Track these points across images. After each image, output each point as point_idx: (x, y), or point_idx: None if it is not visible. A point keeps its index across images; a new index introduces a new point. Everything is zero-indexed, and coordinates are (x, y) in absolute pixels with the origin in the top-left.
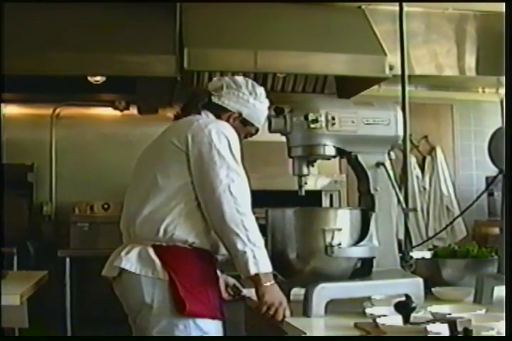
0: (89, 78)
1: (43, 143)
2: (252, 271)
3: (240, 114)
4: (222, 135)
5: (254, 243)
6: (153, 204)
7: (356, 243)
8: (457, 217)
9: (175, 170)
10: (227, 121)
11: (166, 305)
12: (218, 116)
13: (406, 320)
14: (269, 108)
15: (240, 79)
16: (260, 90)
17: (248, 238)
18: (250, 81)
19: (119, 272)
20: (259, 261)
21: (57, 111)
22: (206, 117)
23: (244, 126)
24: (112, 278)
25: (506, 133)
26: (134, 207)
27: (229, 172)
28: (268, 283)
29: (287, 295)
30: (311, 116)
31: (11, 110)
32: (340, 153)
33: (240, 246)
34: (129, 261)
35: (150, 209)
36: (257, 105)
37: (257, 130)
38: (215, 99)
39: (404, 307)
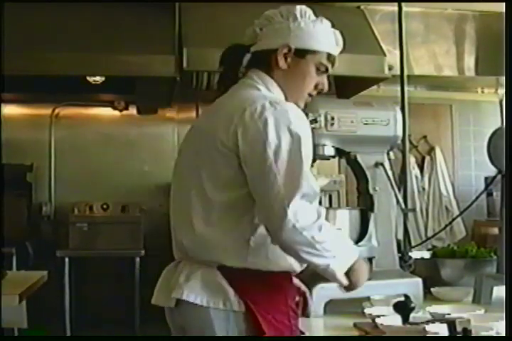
0: (89, 78)
1: (42, 143)
2: (344, 282)
3: (289, 47)
4: (283, 127)
5: (331, 252)
6: (207, 221)
7: (355, 243)
8: (456, 217)
9: (228, 180)
10: (279, 65)
11: None
12: (268, 66)
13: (405, 320)
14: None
15: (269, 11)
16: (299, 9)
17: (323, 251)
18: (283, 7)
19: (176, 302)
20: (343, 267)
21: (57, 111)
22: (256, 85)
23: (305, 61)
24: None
25: (506, 133)
26: (182, 219)
27: (289, 188)
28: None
29: None
30: (310, 116)
31: (10, 110)
32: (340, 153)
33: (319, 262)
34: (192, 290)
35: (202, 230)
36: (302, 25)
37: (330, 57)
38: (253, 49)
39: (404, 308)
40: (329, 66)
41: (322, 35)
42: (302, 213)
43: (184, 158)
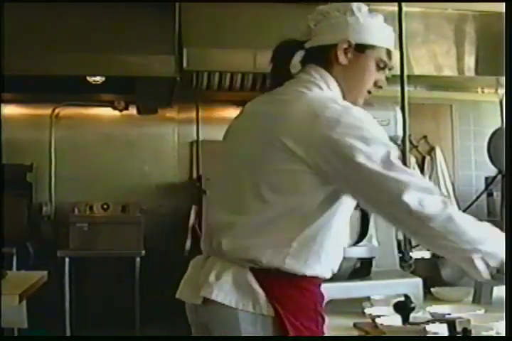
0: (89, 78)
1: (42, 143)
2: (486, 276)
3: (348, 42)
4: (361, 131)
5: (473, 244)
6: (255, 221)
7: (356, 243)
8: None
9: (289, 186)
10: (339, 61)
11: None
12: (327, 62)
13: (405, 320)
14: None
15: (323, 7)
16: (354, 4)
17: (465, 244)
18: (336, 3)
19: (204, 299)
20: (492, 258)
21: (57, 111)
22: (316, 82)
23: (365, 57)
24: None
25: (506, 133)
26: (223, 218)
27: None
28: None
29: None
30: None
31: (10, 110)
32: None
33: (464, 255)
34: (222, 290)
35: (247, 229)
36: (361, 21)
37: (389, 53)
38: (309, 44)
39: (404, 308)
40: (388, 62)
41: (379, 30)
42: (427, 203)
43: (240, 148)
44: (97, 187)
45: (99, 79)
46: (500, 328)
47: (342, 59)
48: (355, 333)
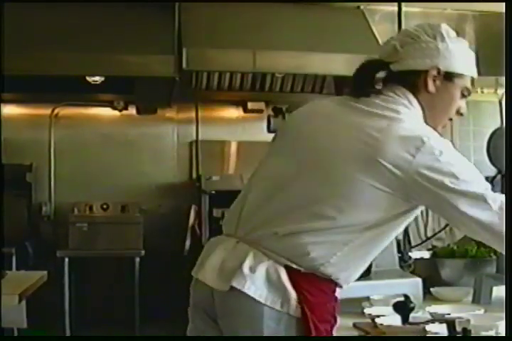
0: (88, 78)
1: (42, 143)
2: None
3: (438, 69)
4: (461, 170)
5: None
6: (321, 225)
7: None
8: None
9: (369, 203)
10: (428, 88)
11: None
12: (414, 87)
13: (405, 320)
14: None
15: (411, 29)
16: (443, 28)
17: None
18: (425, 24)
19: (230, 288)
20: None
21: (56, 111)
22: (406, 104)
23: (453, 85)
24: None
25: (506, 133)
26: (280, 208)
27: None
28: None
29: None
30: None
31: (10, 110)
32: None
33: None
34: (254, 283)
35: (307, 228)
36: (450, 47)
37: (473, 81)
38: (396, 67)
39: (403, 308)
40: (471, 90)
41: (466, 58)
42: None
43: (327, 153)
44: (97, 187)
45: (98, 79)
46: (499, 328)
47: (431, 87)
48: (355, 333)
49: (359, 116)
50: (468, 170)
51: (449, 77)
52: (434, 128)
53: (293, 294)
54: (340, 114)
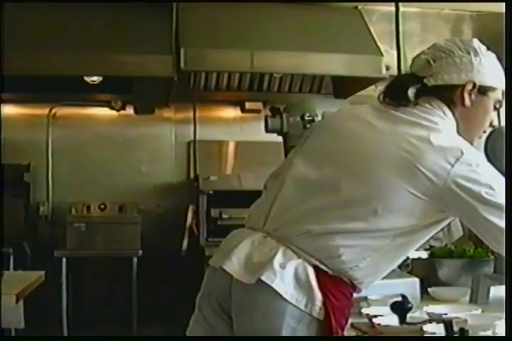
0: (86, 78)
1: (40, 143)
2: None
3: (474, 83)
4: (488, 176)
5: None
6: (355, 228)
7: None
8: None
9: (405, 209)
10: (464, 103)
11: None
12: (449, 100)
13: (402, 320)
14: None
15: (443, 43)
16: (475, 43)
17: None
18: (456, 39)
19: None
20: None
21: (54, 111)
22: (444, 117)
23: (487, 98)
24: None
25: (506, 133)
26: (312, 208)
27: None
28: None
29: None
30: (307, 116)
31: (8, 110)
32: None
33: None
34: (283, 279)
35: (340, 230)
36: (483, 62)
37: (503, 93)
38: (431, 82)
39: (401, 308)
40: (502, 102)
41: (497, 71)
42: None
43: (360, 150)
44: (95, 187)
45: (96, 79)
46: (497, 328)
47: (467, 101)
48: (353, 333)
49: (399, 123)
50: (502, 184)
51: (483, 91)
52: (470, 141)
53: (319, 295)
54: (380, 120)
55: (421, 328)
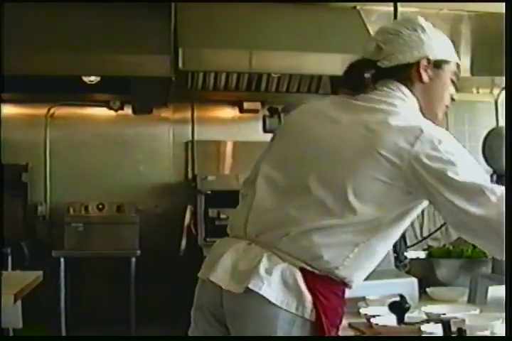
0: (84, 78)
1: (38, 143)
2: None
3: (428, 59)
4: (453, 149)
5: None
6: (330, 223)
7: None
8: None
9: (376, 196)
10: (422, 79)
11: None
12: (407, 80)
13: (400, 320)
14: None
15: (389, 25)
16: (420, 20)
17: None
18: (401, 19)
19: (245, 290)
20: None
21: (52, 111)
22: (404, 98)
23: (443, 72)
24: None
25: (506, 133)
26: (289, 211)
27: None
28: None
29: None
30: None
31: (5, 110)
32: None
33: None
34: (271, 285)
35: (318, 226)
36: (432, 37)
37: (458, 66)
38: (385, 64)
39: (399, 308)
40: (458, 74)
41: (448, 45)
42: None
43: (330, 151)
44: (92, 187)
45: (94, 79)
46: (495, 328)
47: (425, 77)
48: (351, 333)
49: (358, 112)
50: (467, 161)
51: (438, 64)
52: (435, 118)
53: (308, 297)
54: (340, 111)
55: (419, 328)
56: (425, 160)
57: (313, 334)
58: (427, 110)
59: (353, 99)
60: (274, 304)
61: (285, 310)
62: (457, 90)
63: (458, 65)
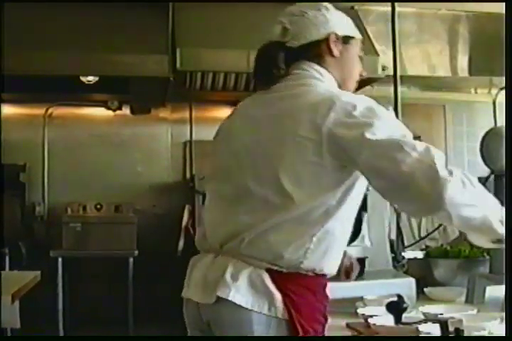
0: (82, 78)
1: (36, 143)
2: (501, 231)
3: (336, 34)
4: (370, 112)
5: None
6: (278, 219)
7: (348, 243)
8: None
9: (311, 178)
10: (333, 53)
11: None
12: (318, 57)
13: (398, 320)
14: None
15: (293, 8)
16: (324, 3)
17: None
18: (304, 3)
19: (216, 299)
20: (498, 215)
21: (50, 111)
22: (316, 76)
23: (351, 46)
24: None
25: (506, 133)
26: (240, 218)
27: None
28: None
29: None
30: None
31: (4, 110)
32: None
33: (477, 215)
34: (239, 291)
35: (269, 225)
36: (335, 15)
37: (363, 43)
38: (294, 44)
39: (396, 308)
40: (362, 53)
41: (351, 23)
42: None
43: (255, 146)
44: (90, 187)
45: (92, 79)
46: (492, 328)
47: (335, 51)
48: (348, 333)
49: (273, 103)
50: (387, 120)
51: (346, 40)
52: (349, 91)
53: (278, 296)
54: (258, 108)
55: (416, 328)
56: (341, 129)
57: (291, 332)
58: (343, 83)
59: (266, 92)
60: (245, 308)
61: (258, 312)
62: (363, 68)
63: (362, 42)
